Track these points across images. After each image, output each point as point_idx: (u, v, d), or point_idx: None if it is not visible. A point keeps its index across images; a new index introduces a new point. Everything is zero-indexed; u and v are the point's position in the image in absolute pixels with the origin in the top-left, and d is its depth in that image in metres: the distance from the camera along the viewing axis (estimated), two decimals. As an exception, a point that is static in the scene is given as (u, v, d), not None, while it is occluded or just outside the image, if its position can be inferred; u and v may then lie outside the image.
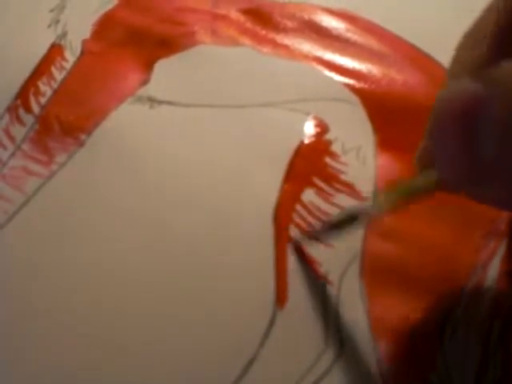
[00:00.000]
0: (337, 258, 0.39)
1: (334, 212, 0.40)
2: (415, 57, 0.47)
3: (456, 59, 0.31)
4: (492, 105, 0.23)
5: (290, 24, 0.49)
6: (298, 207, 0.40)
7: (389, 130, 0.43)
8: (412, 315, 0.37)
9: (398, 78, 0.45)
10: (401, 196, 0.33)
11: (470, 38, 0.30)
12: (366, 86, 0.45)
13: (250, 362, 0.36)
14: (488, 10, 0.30)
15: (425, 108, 0.43)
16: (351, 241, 0.39)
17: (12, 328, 0.38)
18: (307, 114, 0.44)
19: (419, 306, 0.38)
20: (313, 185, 0.41)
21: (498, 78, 0.23)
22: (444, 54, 0.45)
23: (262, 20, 0.49)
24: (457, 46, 0.31)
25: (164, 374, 0.36)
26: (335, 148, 0.42)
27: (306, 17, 0.49)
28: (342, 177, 0.41)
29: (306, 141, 0.43)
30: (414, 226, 0.40)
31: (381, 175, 0.41)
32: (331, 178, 0.41)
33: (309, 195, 0.41)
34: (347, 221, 0.36)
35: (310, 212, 0.40)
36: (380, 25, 0.48)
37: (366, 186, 0.41)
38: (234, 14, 0.50)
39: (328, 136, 0.43)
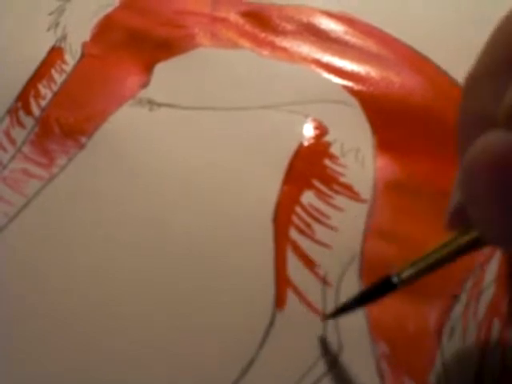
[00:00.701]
0: (336, 259, 0.39)
1: (332, 214, 0.40)
2: (414, 59, 0.47)
3: (471, 94, 0.28)
4: None
5: (288, 27, 0.49)
6: (298, 209, 0.41)
7: (388, 131, 0.43)
8: (411, 316, 0.37)
9: (397, 80, 0.46)
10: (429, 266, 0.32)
11: (484, 69, 0.28)
12: (365, 88, 0.45)
13: (250, 363, 0.36)
14: (500, 33, 0.28)
15: (423, 110, 0.43)
16: (350, 242, 0.39)
17: (11, 329, 0.38)
18: (306, 116, 0.44)
19: (418, 307, 0.38)
20: (312, 187, 0.41)
21: None
22: (443, 56, 0.46)
23: (261, 23, 0.49)
24: (470, 73, 0.29)
25: (163, 375, 0.36)
26: (334, 150, 0.43)
27: (305, 19, 0.49)
28: (341, 179, 0.42)
29: (306, 143, 0.43)
30: (412, 227, 0.40)
31: (380, 177, 0.42)
32: (330, 180, 0.41)
33: (308, 197, 0.41)
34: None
35: (309, 214, 0.40)
36: (379, 27, 0.49)
37: (364, 188, 0.41)
38: (234, 17, 0.50)
39: (327, 138, 0.43)
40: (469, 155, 0.23)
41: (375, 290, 0.34)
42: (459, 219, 0.30)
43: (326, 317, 0.37)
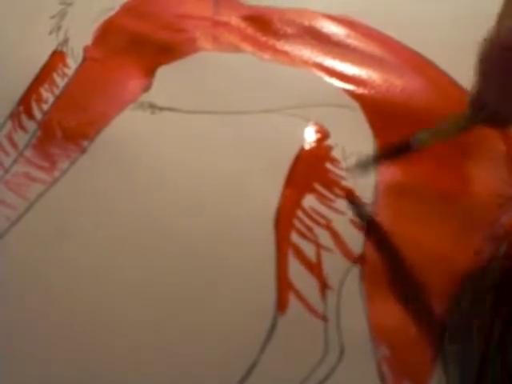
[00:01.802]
0: (337, 262, 0.39)
1: (334, 217, 0.40)
2: (416, 63, 0.47)
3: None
4: None
5: (289, 30, 0.49)
6: (299, 213, 0.41)
7: (389, 134, 0.43)
8: (412, 318, 0.37)
9: (398, 83, 0.46)
10: (440, 133, 0.36)
11: None
12: (366, 91, 0.45)
13: (252, 366, 0.36)
14: None
15: (424, 112, 0.43)
16: (351, 245, 0.39)
17: (13, 329, 0.38)
18: (308, 119, 0.44)
19: (419, 309, 0.38)
20: (313, 190, 0.41)
21: None
22: (444, 58, 0.46)
23: (263, 26, 0.49)
24: None
25: (166, 378, 0.36)
26: (336, 154, 0.43)
27: (306, 23, 0.50)
28: (343, 182, 0.42)
29: (307, 147, 0.43)
30: (412, 229, 0.40)
31: (381, 180, 0.42)
32: (332, 184, 0.42)
33: (309, 201, 0.41)
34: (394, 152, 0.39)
35: (310, 217, 0.40)
36: (380, 30, 0.49)
37: (366, 191, 0.41)
38: (235, 21, 0.50)
39: (328, 142, 0.43)
40: (486, 40, 0.29)
41: (395, 149, 0.38)
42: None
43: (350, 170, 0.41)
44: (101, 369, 0.37)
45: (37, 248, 0.40)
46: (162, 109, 0.45)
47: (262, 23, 0.50)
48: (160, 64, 0.48)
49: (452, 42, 0.47)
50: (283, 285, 0.38)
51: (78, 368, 0.37)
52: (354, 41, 0.48)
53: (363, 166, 0.40)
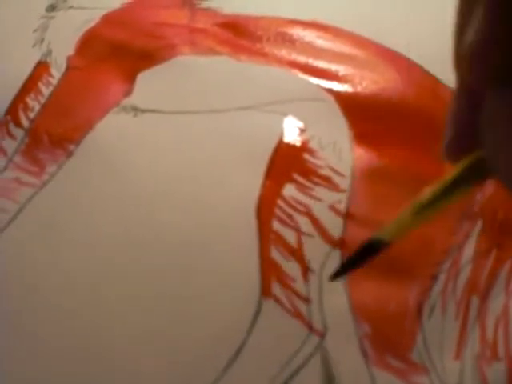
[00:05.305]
0: (318, 247, 0.40)
1: (313, 204, 0.42)
2: (387, 56, 0.49)
3: None
4: None
5: (264, 35, 0.51)
6: (280, 202, 0.42)
7: (363, 124, 0.45)
8: (391, 297, 0.39)
9: (370, 76, 0.47)
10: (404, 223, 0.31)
11: None
12: (339, 85, 0.47)
13: (239, 349, 0.38)
14: None
15: (398, 102, 0.45)
16: (331, 230, 0.41)
17: (7, 326, 0.39)
18: (285, 114, 0.46)
19: (398, 288, 0.39)
20: (293, 180, 0.43)
21: None
22: (415, 50, 0.47)
23: (238, 32, 0.51)
24: None
25: (154, 362, 0.38)
26: (313, 144, 0.44)
27: (280, 28, 0.51)
28: (320, 171, 0.43)
29: (285, 139, 0.45)
30: (390, 213, 0.41)
31: (357, 167, 0.43)
32: (310, 173, 0.43)
33: (289, 190, 0.43)
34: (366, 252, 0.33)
35: (291, 206, 0.42)
36: (350, 31, 0.51)
37: (343, 179, 0.43)
38: (211, 28, 0.52)
39: (305, 134, 0.45)
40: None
41: (365, 252, 0.33)
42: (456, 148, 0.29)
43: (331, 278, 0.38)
44: (92, 357, 0.38)
45: (29, 248, 0.42)
46: (144, 111, 0.47)
47: (238, 29, 0.51)
48: (140, 69, 0.49)
49: (421, 33, 0.49)
50: (267, 270, 0.40)
51: (74, 364, 0.38)
52: (325, 41, 0.50)
53: (334, 278, 0.38)
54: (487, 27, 0.22)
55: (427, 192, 0.29)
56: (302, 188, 0.43)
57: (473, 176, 0.27)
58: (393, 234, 0.32)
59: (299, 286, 0.40)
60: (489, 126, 0.24)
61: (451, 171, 0.28)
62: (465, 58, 0.23)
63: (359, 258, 0.33)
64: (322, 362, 0.37)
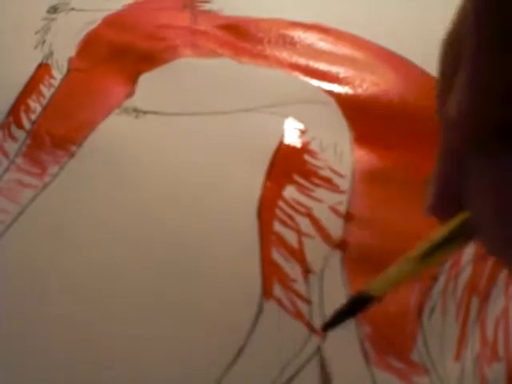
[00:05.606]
0: (318, 248, 0.41)
1: (314, 205, 0.42)
2: (388, 58, 0.49)
3: None
4: None
5: (265, 37, 0.51)
6: (281, 203, 0.42)
7: (364, 126, 0.45)
8: (392, 297, 0.39)
9: (371, 78, 0.48)
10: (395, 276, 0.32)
11: None
12: (340, 87, 0.47)
13: (241, 350, 0.38)
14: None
15: (398, 104, 0.45)
16: (332, 231, 0.41)
17: (10, 327, 0.40)
18: (286, 116, 0.46)
19: (398, 289, 0.39)
20: (293, 181, 0.43)
21: None
22: (414, 52, 0.48)
23: (240, 34, 0.51)
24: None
25: (155, 363, 0.38)
26: (313, 146, 0.44)
27: (281, 30, 0.52)
28: (321, 172, 0.43)
29: (286, 141, 0.45)
30: (390, 214, 0.42)
31: (357, 168, 0.43)
32: (310, 174, 0.43)
33: (290, 191, 0.43)
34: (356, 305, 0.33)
35: (291, 207, 0.42)
36: (351, 33, 0.51)
37: (343, 180, 0.43)
38: (213, 30, 0.52)
39: (306, 135, 0.45)
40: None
41: (355, 305, 0.33)
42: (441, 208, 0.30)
43: (322, 329, 0.37)
44: (95, 358, 0.38)
45: (31, 249, 0.42)
46: (145, 112, 0.47)
47: (239, 31, 0.52)
48: (142, 71, 0.49)
49: (422, 36, 0.49)
50: (268, 271, 0.40)
51: (76, 364, 0.38)
52: (325, 43, 0.50)
53: (325, 329, 0.37)
54: (469, 99, 0.23)
55: (417, 248, 0.30)
56: (302, 189, 0.43)
57: (460, 237, 0.28)
58: (382, 289, 0.32)
59: (300, 286, 0.40)
60: (473, 193, 0.25)
61: (438, 230, 0.29)
62: (449, 126, 0.24)
63: (349, 310, 0.33)
64: (322, 361, 0.37)
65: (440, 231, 0.29)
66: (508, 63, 0.22)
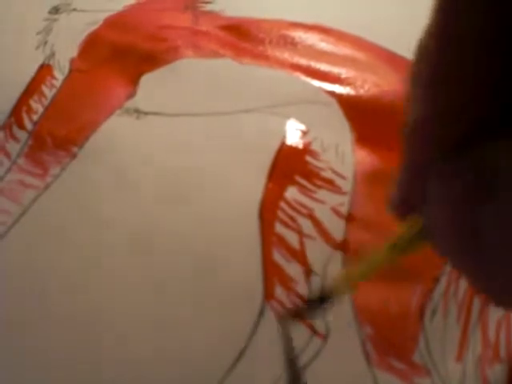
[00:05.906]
0: (320, 249, 0.41)
1: (315, 207, 0.42)
2: (389, 59, 0.49)
3: None
4: None
5: (266, 37, 0.51)
6: (282, 204, 0.42)
7: (365, 127, 0.45)
8: (393, 299, 0.39)
9: (372, 79, 0.48)
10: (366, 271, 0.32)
11: None
12: (342, 88, 0.47)
13: (242, 351, 0.38)
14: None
15: (398, 104, 0.45)
16: (333, 232, 0.41)
17: (11, 327, 0.40)
18: (287, 117, 0.46)
19: (400, 290, 0.39)
20: (295, 182, 0.43)
21: None
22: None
23: (241, 35, 0.52)
24: None
25: (157, 365, 0.38)
26: (315, 147, 0.45)
27: (282, 30, 0.52)
28: (323, 173, 0.43)
29: (287, 142, 0.45)
30: (391, 216, 0.42)
31: (359, 170, 0.43)
32: (312, 176, 0.43)
33: (292, 192, 0.43)
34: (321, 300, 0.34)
35: (293, 208, 0.42)
36: (353, 33, 0.51)
37: (345, 181, 0.43)
38: (214, 30, 0.52)
39: (307, 136, 0.45)
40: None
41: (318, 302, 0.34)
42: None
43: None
44: (96, 359, 0.38)
45: (33, 249, 0.42)
46: (147, 113, 0.47)
47: (240, 32, 0.52)
48: (144, 72, 0.49)
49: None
50: (269, 273, 0.40)
51: (76, 364, 0.38)
52: (327, 44, 0.50)
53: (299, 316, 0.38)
54: (422, 113, 0.23)
55: (376, 250, 0.31)
56: (304, 190, 0.43)
57: (416, 238, 0.28)
58: (343, 288, 0.33)
59: (302, 288, 0.40)
60: (428, 202, 0.25)
61: (397, 231, 0.30)
62: (405, 137, 0.24)
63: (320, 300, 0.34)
64: (324, 363, 0.37)
65: (397, 233, 0.30)
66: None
